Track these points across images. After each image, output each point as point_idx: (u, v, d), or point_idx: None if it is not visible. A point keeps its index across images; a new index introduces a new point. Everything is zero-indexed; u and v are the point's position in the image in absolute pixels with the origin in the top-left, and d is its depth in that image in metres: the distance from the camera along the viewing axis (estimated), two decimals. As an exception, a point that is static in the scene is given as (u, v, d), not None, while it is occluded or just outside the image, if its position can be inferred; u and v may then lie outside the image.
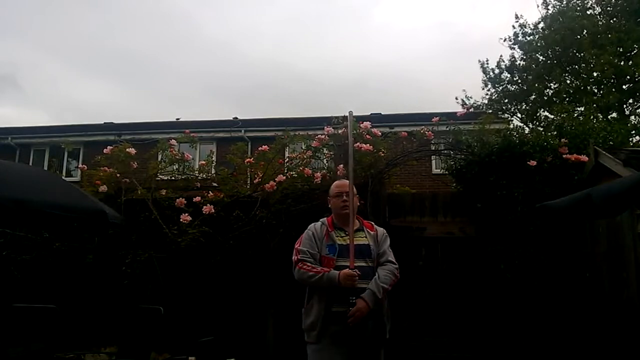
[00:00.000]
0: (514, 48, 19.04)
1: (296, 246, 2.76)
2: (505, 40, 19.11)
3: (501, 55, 19.33)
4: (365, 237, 2.78)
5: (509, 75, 19.16)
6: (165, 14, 47.58)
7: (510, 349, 4.92)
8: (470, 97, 19.12)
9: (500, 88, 19.36)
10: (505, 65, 19.14)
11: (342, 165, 5.54)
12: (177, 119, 15.07)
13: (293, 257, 2.73)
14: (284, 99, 39.80)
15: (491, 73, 19.48)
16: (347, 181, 2.89)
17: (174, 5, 46.65)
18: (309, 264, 2.65)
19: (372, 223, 2.93)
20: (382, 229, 2.92)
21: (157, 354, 5.01)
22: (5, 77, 38.80)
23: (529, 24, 18.78)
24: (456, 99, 19.44)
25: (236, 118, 14.86)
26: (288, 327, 4.87)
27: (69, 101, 42.99)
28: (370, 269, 2.69)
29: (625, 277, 4.31)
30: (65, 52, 48.12)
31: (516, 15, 19.02)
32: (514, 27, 19.02)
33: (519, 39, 18.87)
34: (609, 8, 17.22)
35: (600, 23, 17.01)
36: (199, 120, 14.50)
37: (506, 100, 19.28)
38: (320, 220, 2.89)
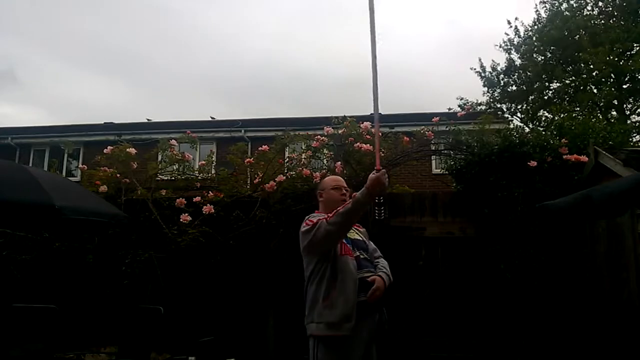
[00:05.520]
0: (510, 52, 19.08)
1: (308, 221, 2.63)
2: (500, 46, 19.19)
3: (493, 60, 19.41)
4: (357, 233, 2.85)
5: (506, 77, 19.16)
6: (166, 13, 47.52)
7: (511, 349, 4.93)
8: (468, 101, 19.05)
9: (499, 90, 19.35)
10: (502, 68, 19.15)
11: (339, 163, 5.56)
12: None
13: (310, 228, 2.55)
14: (284, 99, 39.76)
15: (483, 77, 19.47)
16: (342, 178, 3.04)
17: (174, 3, 46.61)
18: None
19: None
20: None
21: (157, 354, 5.02)
22: (5, 73, 38.63)
23: (525, 24, 18.82)
24: (453, 108, 19.41)
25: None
26: (289, 327, 4.88)
27: (69, 99, 42.81)
28: (369, 261, 2.74)
29: (625, 277, 4.31)
30: (65, 51, 48.09)
31: (508, 21, 19.12)
32: (507, 34, 19.12)
33: (514, 43, 18.89)
34: (608, 8, 17.21)
35: (600, 23, 17.00)
36: (199, 120, 14.45)
37: (506, 100, 19.27)
38: (317, 213, 2.82)
